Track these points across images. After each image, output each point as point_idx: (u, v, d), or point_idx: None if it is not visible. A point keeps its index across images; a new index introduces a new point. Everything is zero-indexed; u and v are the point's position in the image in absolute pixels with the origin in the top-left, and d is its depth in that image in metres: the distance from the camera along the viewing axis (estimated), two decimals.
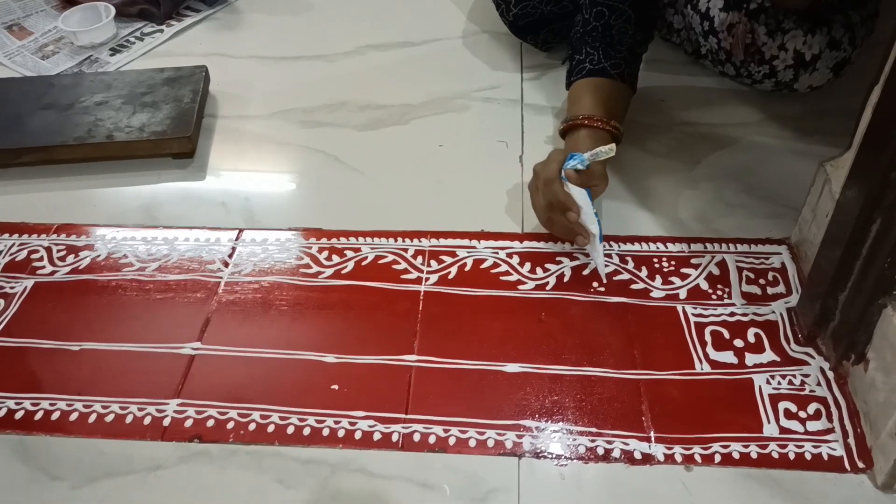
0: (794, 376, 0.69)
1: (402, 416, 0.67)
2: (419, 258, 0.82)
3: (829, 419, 0.66)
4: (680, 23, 1.04)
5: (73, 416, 0.68)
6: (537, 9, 1.06)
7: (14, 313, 0.78)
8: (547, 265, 0.80)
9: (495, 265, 0.81)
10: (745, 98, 1.02)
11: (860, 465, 0.63)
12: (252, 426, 0.67)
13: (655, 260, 0.80)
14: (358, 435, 0.66)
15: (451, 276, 0.80)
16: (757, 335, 0.73)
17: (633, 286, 0.78)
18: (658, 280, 0.78)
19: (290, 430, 0.67)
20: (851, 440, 0.64)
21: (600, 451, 0.64)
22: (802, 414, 0.66)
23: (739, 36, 0.94)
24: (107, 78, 1.03)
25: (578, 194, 0.78)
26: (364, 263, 0.82)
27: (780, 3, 0.90)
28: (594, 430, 0.66)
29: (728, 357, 0.71)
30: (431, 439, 0.66)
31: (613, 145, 0.77)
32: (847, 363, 0.68)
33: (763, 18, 0.91)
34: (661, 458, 0.64)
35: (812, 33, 0.91)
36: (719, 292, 0.77)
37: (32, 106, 0.98)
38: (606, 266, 0.80)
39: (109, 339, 0.75)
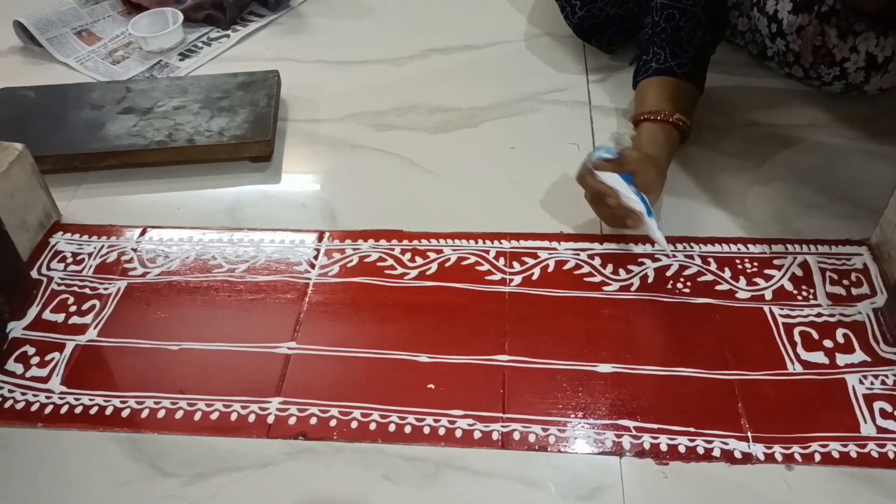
0: (887, 376, 0.70)
1: (501, 415, 0.69)
2: (501, 260, 0.83)
3: None
4: (745, 25, 1.04)
5: (179, 414, 0.70)
6: (602, 11, 1.07)
7: (110, 314, 0.79)
8: (630, 266, 0.81)
9: (577, 266, 0.82)
10: (811, 99, 1.02)
11: None
12: (354, 424, 0.68)
13: (738, 261, 0.81)
14: (458, 433, 0.67)
15: (534, 278, 0.81)
16: (846, 335, 0.73)
17: (718, 287, 0.79)
18: (742, 281, 0.79)
19: (392, 428, 0.68)
20: None
21: (700, 451, 0.65)
22: None
23: (809, 38, 0.94)
24: (182, 83, 1.05)
25: (611, 179, 0.79)
26: (447, 265, 0.83)
27: (855, 5, 0.90)
28: (692, 429, 0.67)
29: (819, 357, 0.72)
30: (531, 438, 0.67)
31: (631, 125, 0.81)
32: None
33: (834, 21, 0.92)
34: (762, 458, 0.64)
35: (884, 35, 0.91)
36: (804, 293, 0.78)
37: (111, 110, 1.00)
38: (669, 248, 0.81)
39: (206, 338, 0.76)
